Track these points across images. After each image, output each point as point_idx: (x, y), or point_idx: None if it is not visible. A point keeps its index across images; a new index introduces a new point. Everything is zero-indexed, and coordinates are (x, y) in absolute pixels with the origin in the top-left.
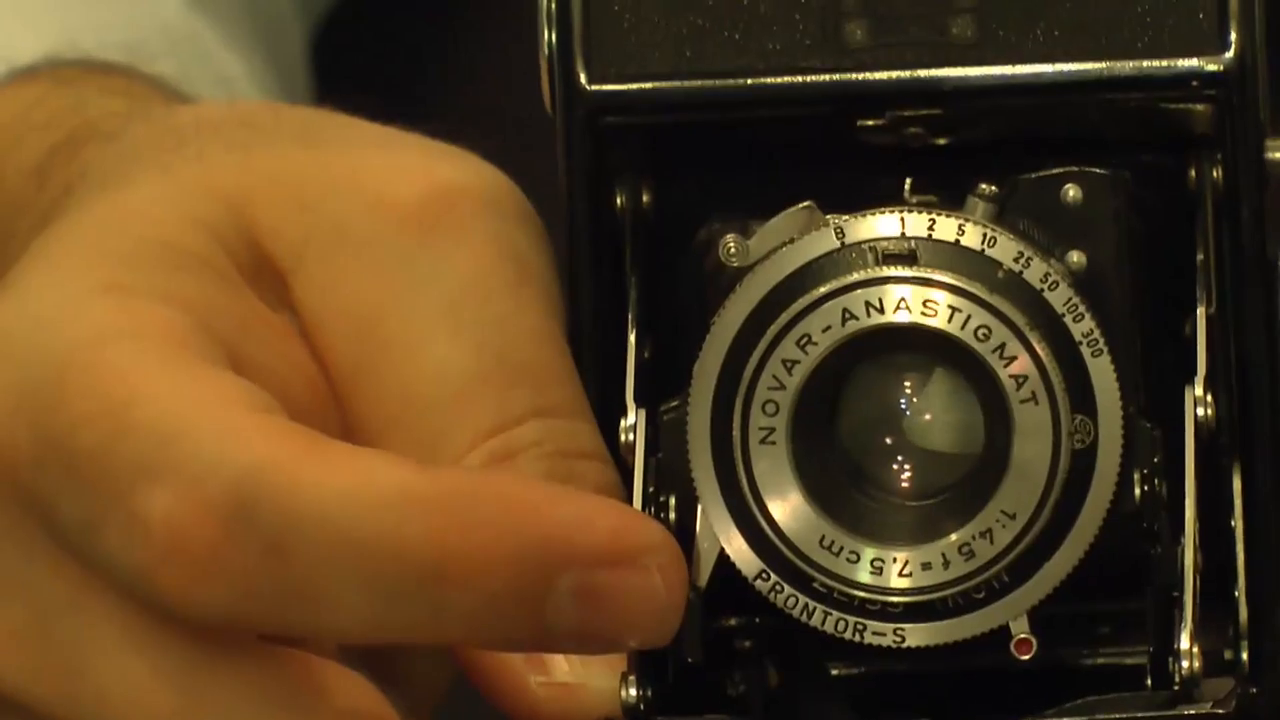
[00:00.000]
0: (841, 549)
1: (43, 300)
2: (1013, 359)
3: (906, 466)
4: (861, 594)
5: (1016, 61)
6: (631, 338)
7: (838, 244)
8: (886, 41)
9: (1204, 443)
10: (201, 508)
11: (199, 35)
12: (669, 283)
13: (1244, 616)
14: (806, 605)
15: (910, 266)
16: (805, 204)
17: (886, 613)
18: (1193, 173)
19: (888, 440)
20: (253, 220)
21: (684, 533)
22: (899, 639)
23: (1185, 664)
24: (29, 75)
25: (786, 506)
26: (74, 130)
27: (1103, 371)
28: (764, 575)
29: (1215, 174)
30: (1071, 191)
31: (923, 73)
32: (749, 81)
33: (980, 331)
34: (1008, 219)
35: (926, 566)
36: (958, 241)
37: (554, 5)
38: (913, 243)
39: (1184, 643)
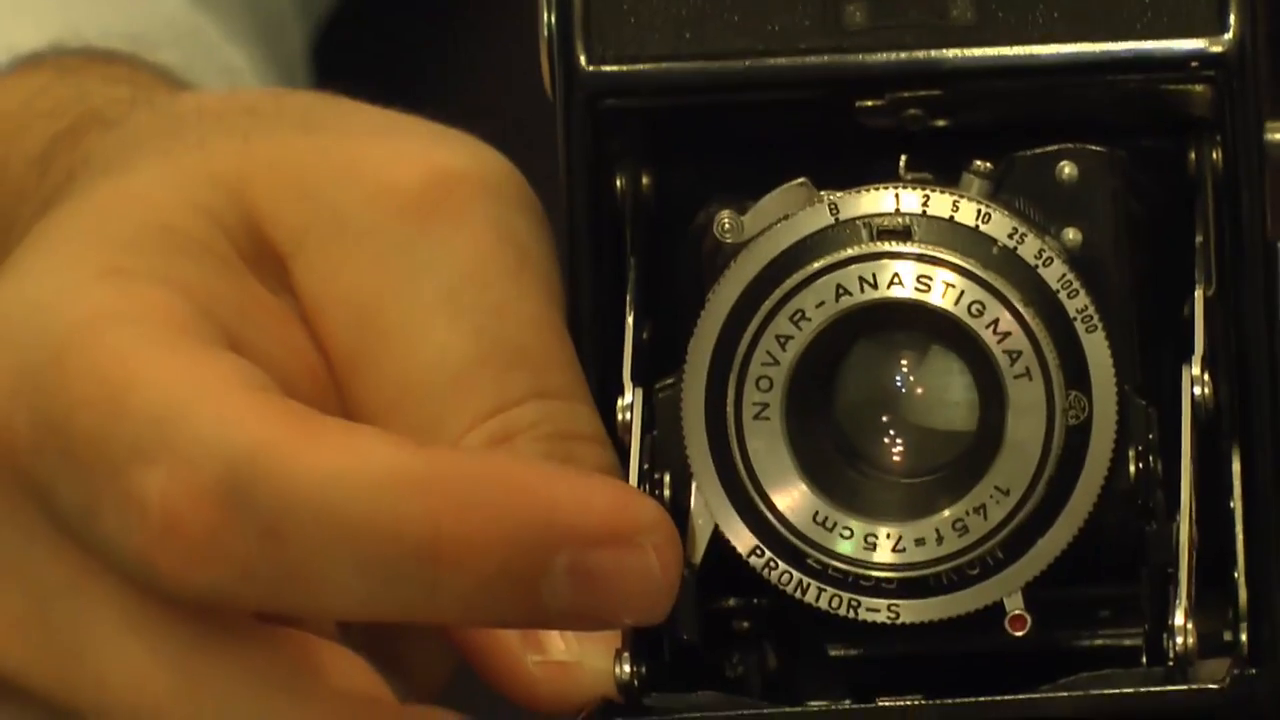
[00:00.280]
0: (835, 524)
1: (42, 284)
2: (1007, 334)
3: (900, 443)
4: (855, 569)
5: (1015, 43)
6: (630, 320)
7: (832, 220)
8: (886, 23)
9: (1201, 422)
10: (198, 489)
11: (202, 29)
12: (668, 266)
13: (1243, 599)
14: (801, 582)
15: (905, 242)
16: (799, 180)
17: (881, 589)
18: (1192, 155)
19: (882, 417)
20: (253, 206)
21: (678, 510)
22: (893, 615)
23: (1180, 640)
24: (33, 64)
25: (780, 482)
26: (77, 118)
27: (1097, 348)
28: (758, 551)
29: (1215, 156)
30: (1067, 169)
31: (922, 54)
32: (748, 63)
33: (974, 307)
34: (1003, 196)
35: (920, 542)
36: (952, 218)
37: None
38: (907, 219)
39: (1179, 619)
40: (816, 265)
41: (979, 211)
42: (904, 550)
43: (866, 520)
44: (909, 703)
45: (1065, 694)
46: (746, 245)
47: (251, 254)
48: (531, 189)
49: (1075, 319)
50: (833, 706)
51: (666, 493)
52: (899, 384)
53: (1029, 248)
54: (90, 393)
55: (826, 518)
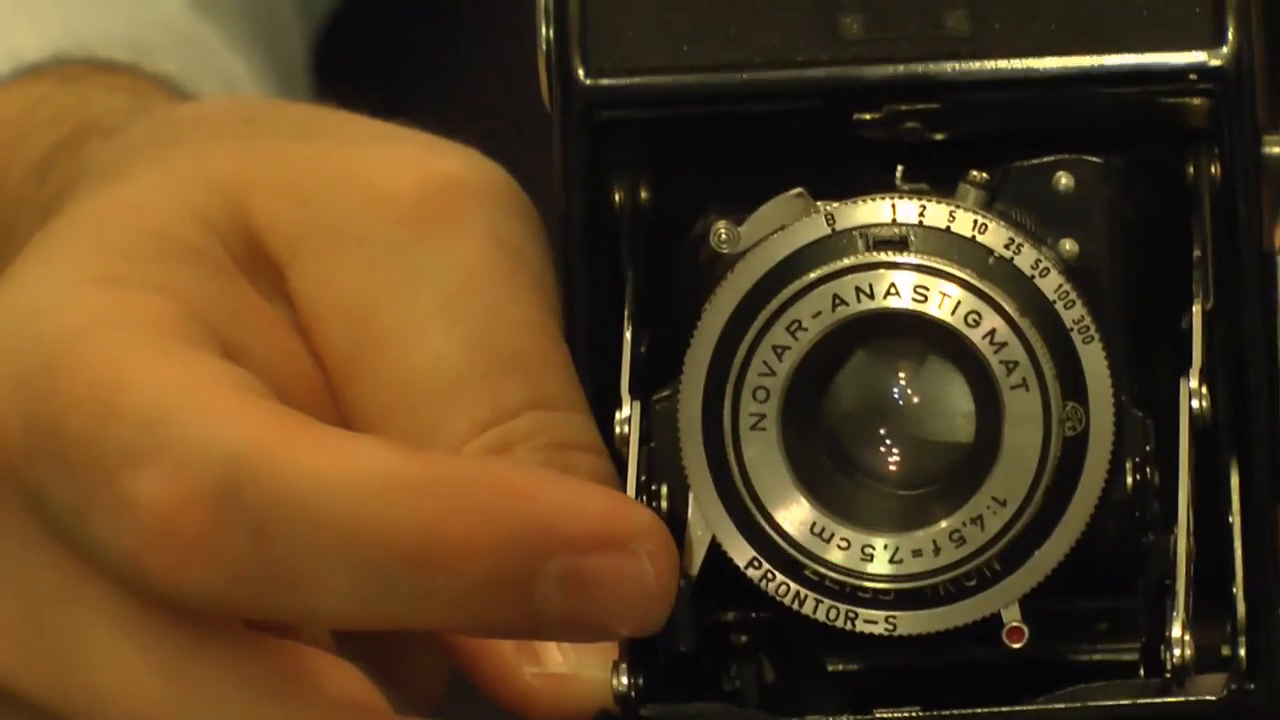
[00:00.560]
0: (832, 536)
1: (36, 292)
2: (1003, 345)
3: (897, 454)
4: (852, 581)
5: (1012, 55)
6: (628, 334)
7: (828, 230)
8: (882, 35)
9: (1198, 434)
10: (189, 491)
11: (202, 35)
12: (665, 277)
13: (1241, 613)
14: (798, 593)
15: (901, 252)
16: (796, 191)
17: (878, 600)
18: (1190, 168)
19: (879, 427)
20: (249, 213)
21: (676, 521)
22: (891, 627)
23: (1177, 652)
24: (34, 73)
25: (777, 494)
26: (77, 127)
27: (1094, 358)
28: (755, 563)
29: (1212, 169)
30: (1064, 179)
31: (918, 66)
32: (745, 75)
33: (971, 317)
34: (999, 207)
35: (917, 553)
36: (948, 228)
37: (551, 1)
38: (904, 229)
39: (1176, 631)
40: (813, 275)
41: (975, 222)
42: (901, 561)
43: (863, 531)
44: (907, 715)
45: (1062, 705)
46: (743, 255)
47: (247, 261)
48: (528, 197)
49: (1072, 329)
50: (831, 719)
51: (664, 504)
52: (896, 395)
53: (1025, 258)
54: (82, 396)
55: (823, 529)
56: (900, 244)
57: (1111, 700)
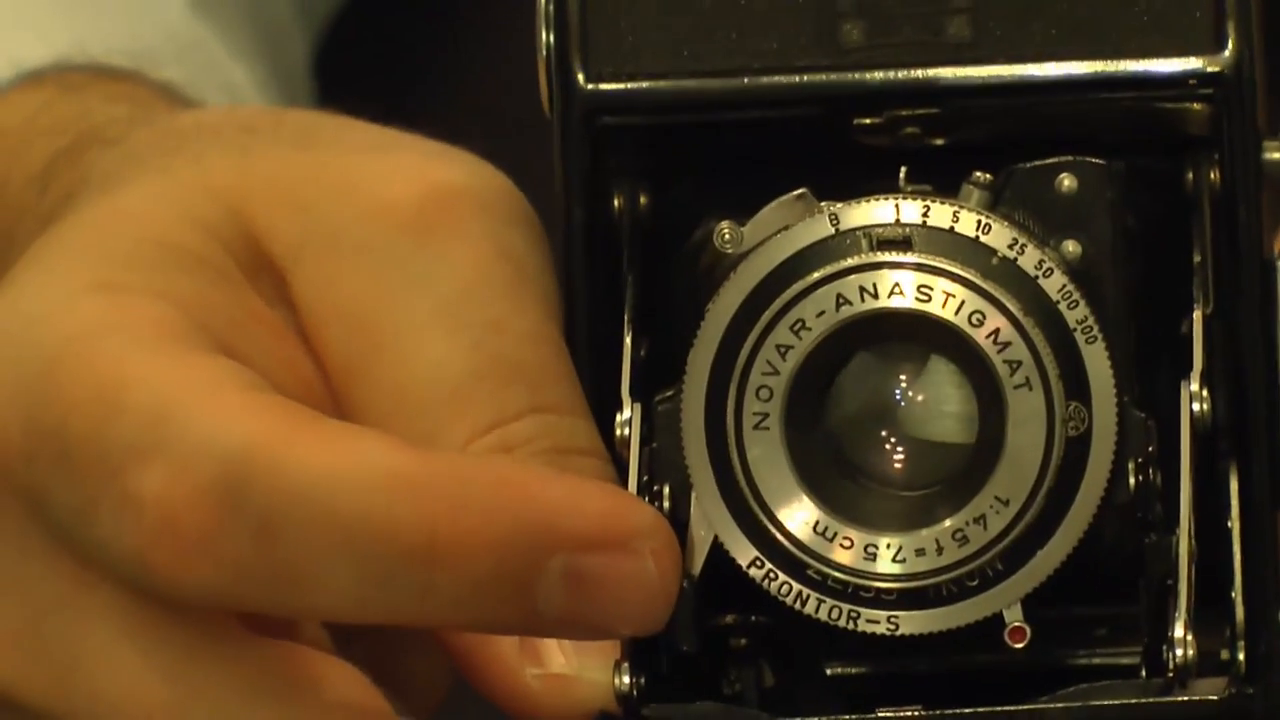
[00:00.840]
0: (835, 535)
1: (36, 299)
2: (1007, 344)
3: (900, 453)
4: (855, 580)
5: (1012, 61)
6: (628, 340)
7: (832, 230)
8: (882, 41)
9: (1198, 438)
10: (194, 488)
11: (204, 42)
12: (665, 283)
13: (1240, 617)
14: (800, 593)
15: (905, 252)
16: (799, 191)
17: (880, 600)
18: (1189, 174)
19: (882, 427)
20: (251, 220)
21: (677, 522)
22: (893, 626)
23: (1179, 652)
24: (36, 80)
25: (780, 493)
26: (78, 136)
27: (1097, 358)
28: (758, 563)
29: (1212, 175)
30: (1066, 181)
31: (919, 72)
32: (745, 81)
33: (974, 317)
34: (1002, 208)
35: (920, 552)
36: (952, 228)
37: (551, 6)
38: (907, 229)
39: (1178, 631)
40: (816, 275)
41: (979, 222)
42: (904, 561)
43: (867, 531)
44: (909, 714)
45: (1064, 705)
46: (746, 256)
47: (249, 268)
48: (529, 204)
49: (1075, 330)
50: (835, 718)
51: (666, 504)
52: (899, 394)
53: (1029, 258)
54: (84, 396)
55: (827, 528)
56: (904, 244)
57: (1114, 700)
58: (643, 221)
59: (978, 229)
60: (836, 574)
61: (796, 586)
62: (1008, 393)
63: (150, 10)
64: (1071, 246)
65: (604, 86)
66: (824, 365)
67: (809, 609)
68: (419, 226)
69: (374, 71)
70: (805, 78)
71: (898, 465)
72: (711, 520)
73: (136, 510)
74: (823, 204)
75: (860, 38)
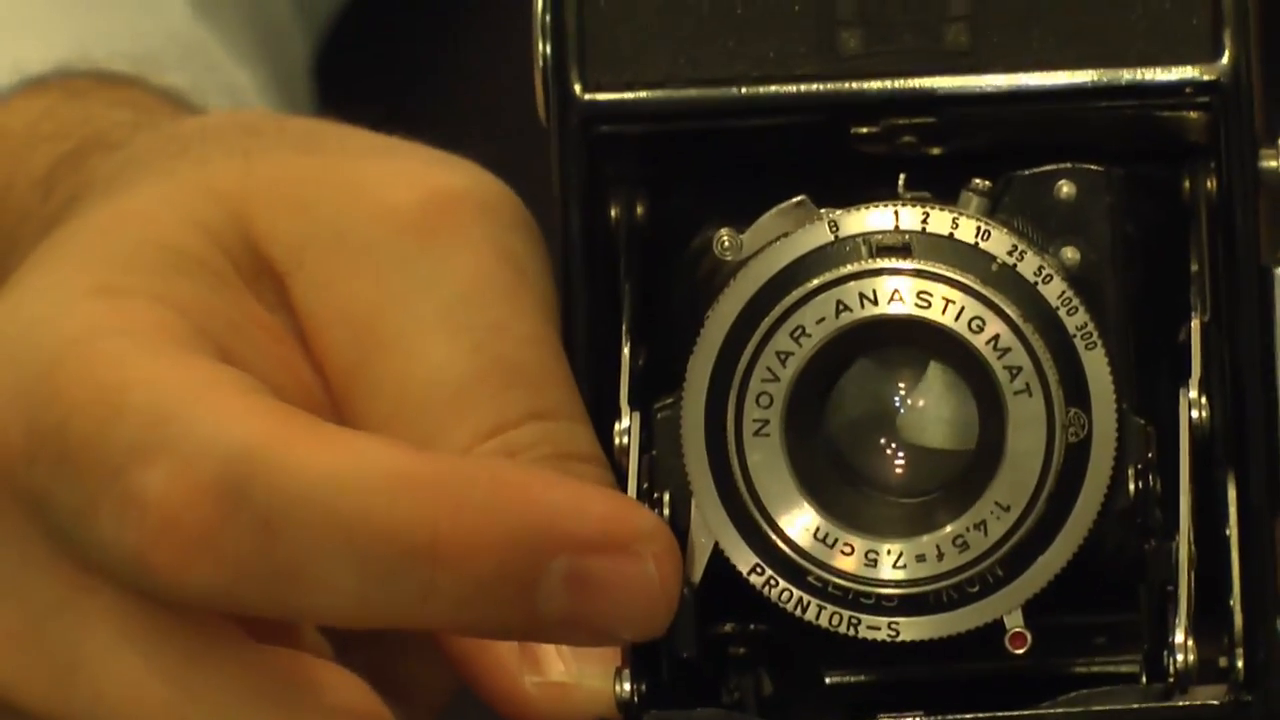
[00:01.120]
0: (835, 541)
1: (37, 303)
2: (1007, 350)
3: (901, 459)
4: (856, 586)
5: (1010, 70)
6: (626, 350)
7: (831, 237)
8: (880, 49)
9: (1197, 444)
10: (196, 487)
11: (206, 45)
12: (663, 291)
13: (1239, 625)
14: (801, 599)
15: (904, 259)
16: (798, 198)
17: (881, 606)
18: (1187, 183)
19: (882, 433)
20: (252, 223)
21: (677, 530)
22: (893, 633)
23: (1180, 658)
24: (39, 86)
25: (781, 499)
26: (81, 141)
27: (1097, 365)
28: (758, 569)
29: (1209, 184)
30: (1065, 188)
31: (916, 81)
32: (743, 90)
33: (974, 323)
34: (1001, 215)
35: (920, 559)
36: (951, 235)
37: (548, 15)
38: (907, 236)
39: (1178, 637)
40: (816, 282)
41: (978, 229)
42: (905, 567)
43: (867, 537)
44: (910, 718)
45: (1064, 710)
46: (745, 263)
47: (250, 271)
48: (528, 211)
49: (1075, 336)
50: None
51: (666, 512)
52: (899, 401)
53: (1028, 265)
54: (85, 398)
55: (827, 534)
56: (903, 250)
57: (1114, 706)
58: (641, 229)
59: (977, 235)
60: (837, 580)
61: (797, 593)
62: (1008, 398)
63: (152, 13)
64: (1070, 253)
65: (601, 96)
66: (824, 371)
67: (809, 616)
68: (420, 230)
69: (373, 73)
70: (803, 86)
71: (898, 471)
72: (712, 527)
73: (138, 510)
74: (822, 211)
75: (858, 46)
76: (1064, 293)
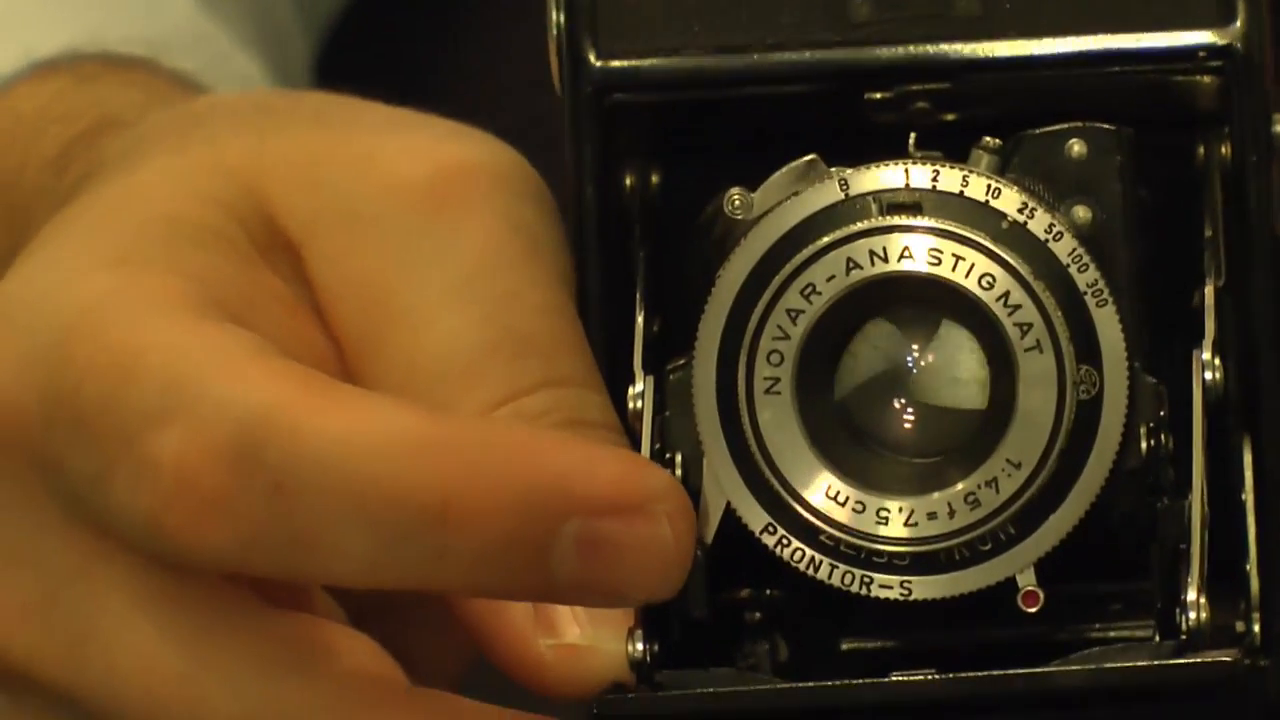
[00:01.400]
0: (847, 500)
1: (48, 274)
2: (1017, 307)
3: (911, 419)
4: (867, 545)
5: (1022, 35)
6: (640, 318)
7: (842, 195)
8: (892, 16)
9: (1210, 407)
10: (209, 449)
11: (213, 37)
12: (676, 260)
13: (1255, 590)
14: (813, 559)
15: (915, 216)
16: (809, 157)
17: (892, 565)
18: (1200, 149)
19: (893, 393)
20: (266, 197)
21: (690, 492)
22: (905, 592)
23: (1193, 615)
24: (49, 69)
25: (792, 457)
26: (93, 122)
27: (1108, 322)
28: (770, 528)
29: (1223, 149)
30: (1076, 147)
31: (929, 47)
32: (755, 57)
33: (985, 280)
34: (1012, 174)
35: (932, 516)
36: (962, 193)
37: None
38: (917, 194)
39: (1191, 595)
40: (826, 240)
41: (989, 186)
42: (916, 525)
43: (879, 495)
44: (924, 676)
45: (1078, 668)
46: (756, 222)
47: (264, 244)
48: (542, 181)
49: (1086, 293)
50: (847, 682)
51: (678, 473)
52: (910, 359)
53: (1039, 222)
54: (100, 362)
55: (839, 493)
56: (914, 208)
57: (1125, 663)
58: (654, 198)
59: (987, 193)
60: (848, 539)
61: (809, 552)
62: (1018, 356)
63: (159, 6)
64: (1081, 211)
65: (614, 63)
66: (835, 330)
67: (821, 575)
68: (433, 202)
69: (374, 73)
70: (816, 53)
71: (909, 430)
72: (724, 486)
73: (152, 473)
74: (832, 169)
75: (870, 12)
76: (1075, 250)
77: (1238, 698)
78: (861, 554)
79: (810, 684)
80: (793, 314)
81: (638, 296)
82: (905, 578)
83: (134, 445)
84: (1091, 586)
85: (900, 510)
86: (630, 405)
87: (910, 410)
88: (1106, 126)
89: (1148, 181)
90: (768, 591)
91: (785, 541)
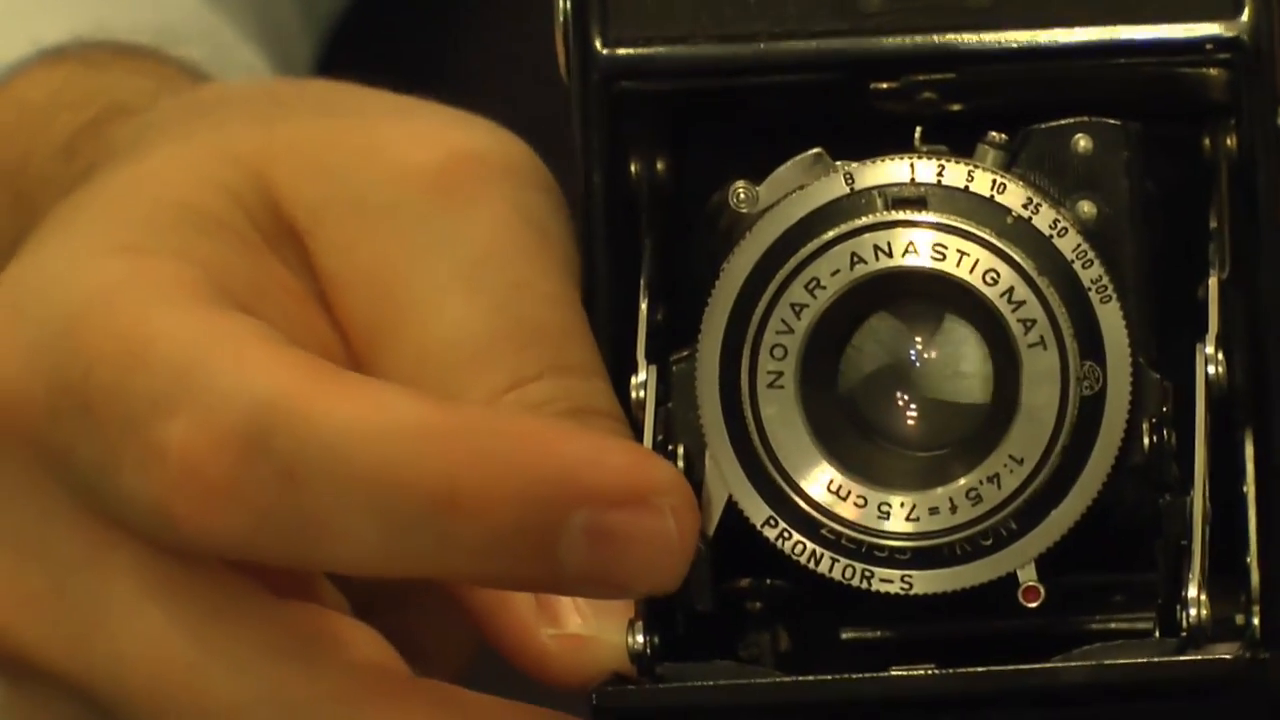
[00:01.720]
0: (849, 494)
1: (57, 261)
2: (1021, 303)
3: (914, 414)
4: (869, 539)
5: (1030, 26)
6: (644, 305)
7: (847, 189)
8: (901, 6)
9: (1214, 401)
10: (217, 436)
11: (219, 28)
12: (682, 249)
13: (1255, 583)
14: (814, 552)
15: (920, 211)
16: (814, 151)
17: (894, 559)
18: (1207, 141)
19: (896, 388)
20: (273, 185)
21: (692, 483)
22: (906, 586)
23: (1193, 612)
24: (57, 57)
25: (795, 451)
26: (101, 110)
27: (1111, 318)
28: (771, 521)
29: (1230, 141)
30: (1082, 142)
31: (937, 38)
32: (763, 46)
33: (989, 275)
34: (1018, 169)
35: (934, 511)
36: (967, 188)
37: None
38: (922, 188)
39: (1192, 591)
40: (831, 234)
41: (994, 182)
42: (918, 519)
43: (881, 489)
44: (923, 671)
45: (1079, 664)
46: (762, 215)
47: (271, 233)
48: (549, 170)
49: (1090, 289)
50: (847, 676)
51: (680, 464)
52: (914, 354)
53: (1044, 218)
54: (107, 349)
55: (840, 487)
56: (919, 203)
57: (1127, 659)
58: (661, 187)
59: (992, 188)
60: (850, 533)
61: (810, 546)
62: (1022, 351)
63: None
64: (1087, 207)
65: (621, 51)
66: (839, 324)
67: (822, 568)
68: (440, 190)
69: (375, 74)
70: (823, 42)
71: (912, 425)
72: (726, 479)
73: (160, 460)
74: (838, 163)
75: (879, 3)
76: (1079, 246)
77: (1238, 691)
78: (863, 548)
79: (810, 678)
80: (797, 308)
81: (642, 284)
82: (906, 572)
83: (142, 432)
84: (1093, 578)
85: (902, 505)
86: (633, 394)
87: (913, 405)
88: (1113, 121)
89: (1154, 174)
90: (769, 581)
91: (786, 535)
